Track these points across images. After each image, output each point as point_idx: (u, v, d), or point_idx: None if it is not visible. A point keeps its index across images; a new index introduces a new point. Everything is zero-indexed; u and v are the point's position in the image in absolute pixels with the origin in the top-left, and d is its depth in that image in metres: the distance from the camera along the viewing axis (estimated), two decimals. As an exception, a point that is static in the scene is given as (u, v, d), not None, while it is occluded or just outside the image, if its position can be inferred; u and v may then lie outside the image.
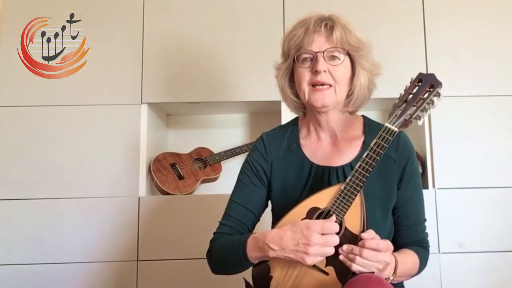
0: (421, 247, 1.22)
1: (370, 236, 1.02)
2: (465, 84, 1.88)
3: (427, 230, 1.24)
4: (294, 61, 1.18)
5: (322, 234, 0.99)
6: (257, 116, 2.24)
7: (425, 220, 1.24)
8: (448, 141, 1.87)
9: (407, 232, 1.21)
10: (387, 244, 1.04)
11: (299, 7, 1.94)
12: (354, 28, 1.17)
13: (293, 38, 1.17)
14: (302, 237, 0.98)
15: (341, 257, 1.01)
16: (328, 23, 1.15)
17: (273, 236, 1.03)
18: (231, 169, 2.19)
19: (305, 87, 1.16)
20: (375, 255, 1.00)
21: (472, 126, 1.88)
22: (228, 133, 2.24)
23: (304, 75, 1.16)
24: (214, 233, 1.23)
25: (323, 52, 1.13)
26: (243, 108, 2.18)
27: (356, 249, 1.01)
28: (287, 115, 1.90)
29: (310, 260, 0.99)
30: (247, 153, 2.13)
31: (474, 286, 1.79)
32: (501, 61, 1.91)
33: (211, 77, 1.94)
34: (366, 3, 1.95)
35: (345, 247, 1.02)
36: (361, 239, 1.02)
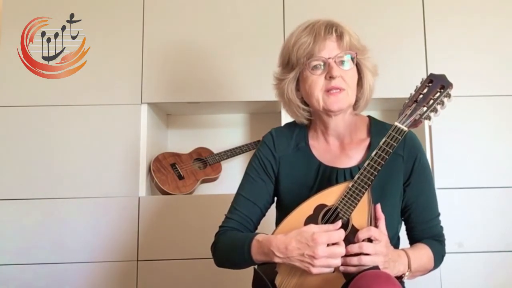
0: (436, 241, 1.21)
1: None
2: (465, 84, 1.87)
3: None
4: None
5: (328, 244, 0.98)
6: (257, 116, 2.24)
7: (438, 214, 1.23)
8: (448, 141, 1.87)
9: (420, 229, 1.21)
10: (379, 232, 1.03)
11: (299, 8, 1.94)
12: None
13: (302, 46, 1.16)
14: (307, 248, 0.99)
15: (341, 268, 1.01)
16: (338, 29, 1.16)
17: (278, 244, 1.03)
18: (231, 169, 2.19)
19: (319, 94, 1.15)
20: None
21: (472, 126, 1.88)
22: (228, 133, 2.24)
23: (317, 82, 1.15)
24: (220, 227, 1.23)
25: (334, 58, 1.14)
26: (243, 108, 2.18)
27: (354, 247, 1.00)
28: (287, 115, 1.88)
29: (316, 271, 0.99)
30: (247, 153, 2.15)
31: (474, 286, 1.79)
32: (501, 61, 1.91)
33: (211, 77, 1.94)
34: (366, 3, 1.94)
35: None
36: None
